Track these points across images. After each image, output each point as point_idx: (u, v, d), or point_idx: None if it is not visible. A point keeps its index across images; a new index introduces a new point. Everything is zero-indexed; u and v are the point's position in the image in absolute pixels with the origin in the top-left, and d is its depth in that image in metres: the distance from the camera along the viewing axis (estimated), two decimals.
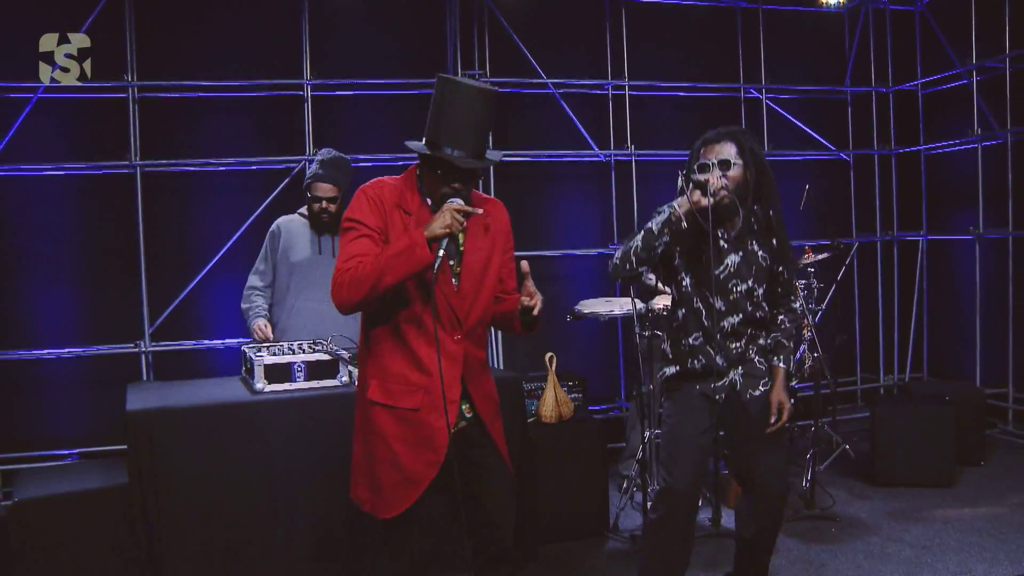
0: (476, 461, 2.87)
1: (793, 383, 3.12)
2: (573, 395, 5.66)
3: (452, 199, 2.70)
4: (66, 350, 5.35)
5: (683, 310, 3.29)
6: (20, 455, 5.26)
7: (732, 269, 3.20)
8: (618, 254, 3.15)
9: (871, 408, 5.28)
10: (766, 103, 6.51)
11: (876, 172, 6.86)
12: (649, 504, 3.79)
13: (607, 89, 6.24)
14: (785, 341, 3.31)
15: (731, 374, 3.25)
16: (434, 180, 2.73)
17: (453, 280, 2.78)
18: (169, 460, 3.58)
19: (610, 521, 4.54)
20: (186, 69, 5.48)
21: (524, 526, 4.14)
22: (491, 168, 5.84)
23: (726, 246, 3.21)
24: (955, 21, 6.26)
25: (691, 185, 3.07)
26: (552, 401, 4.57)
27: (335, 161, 4.36)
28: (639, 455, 4.60)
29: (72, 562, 3.57)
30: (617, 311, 4.79)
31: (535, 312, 2.72)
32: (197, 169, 5.52)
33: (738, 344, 3.23)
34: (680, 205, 3.07)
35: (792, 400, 3.32)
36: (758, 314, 3.23)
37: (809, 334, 4.96)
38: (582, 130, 6.11)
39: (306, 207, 4.45)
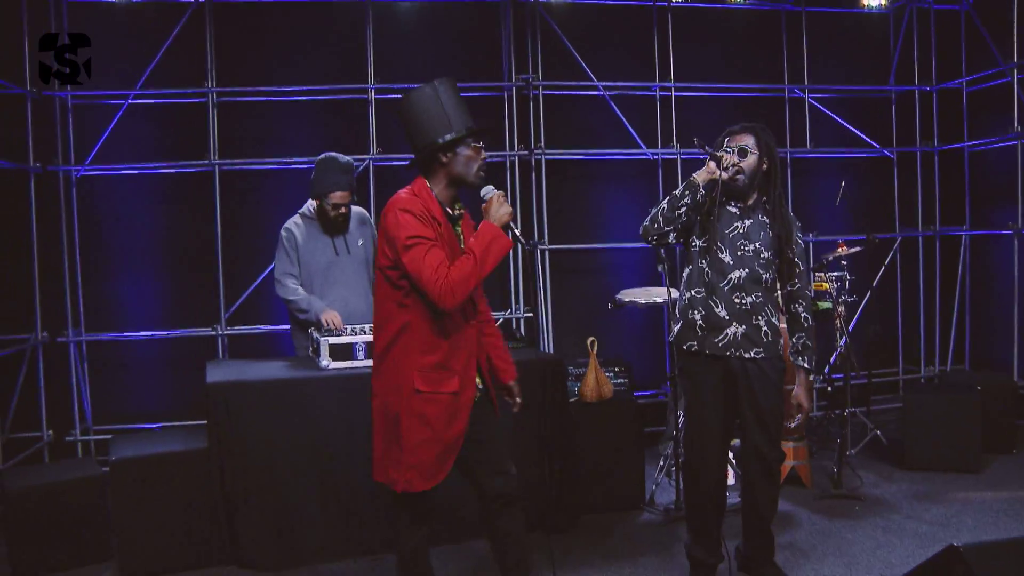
0: (483, 420, 3.27)
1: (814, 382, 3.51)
2: (619, 380, 5.98)
3: (491, 189, 3.13)
4: (151, 333, 5.89)
5: (690, 267, 3.66)
6: (112, 427, 5.81)
7: (742, 230, 3.59)
8: (647, 219, 3.59)
9: (904, 395, 5.49)
10: (809, 102, 6.73)
11: (919, 169, 7.01)
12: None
13: (654, 91, 6.53)
14: (810, 343, 3.66)
15: (731, 328, 3.56)
16: (471, 155, 3.11)
17: None
18: (243, 427, 4.04)
19: (646, 496, 4.84)
20: (260, 76, 5.96)
21: (564, 496, 4.50)
22: (543, 166, 6.22)
23: (738, 212, 3.61)
24: (1000, 19, 6.39)
25: (708, 158, 3.52)
26: (593, 382, 4.90)
27: (346, 166, 4.63)
28: (673, 434, 4.90)
29: (160, 514, 4.04)
30: (656, 299, 5.10)
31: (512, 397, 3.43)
32: (270, 168, 5.99)
33: (743, 301, 3.55)
34: (699, 175, 3.51)
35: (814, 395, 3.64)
36: (764, 276, 3.56)
37: (840, 323, 5.19)
38: (631, 130, 6.42)
39: (311, 210, 4.70)
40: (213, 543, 4.09)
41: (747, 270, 3.57)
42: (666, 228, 3.54)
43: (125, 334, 5.87)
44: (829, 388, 5.80)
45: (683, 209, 3.51)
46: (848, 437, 5.27)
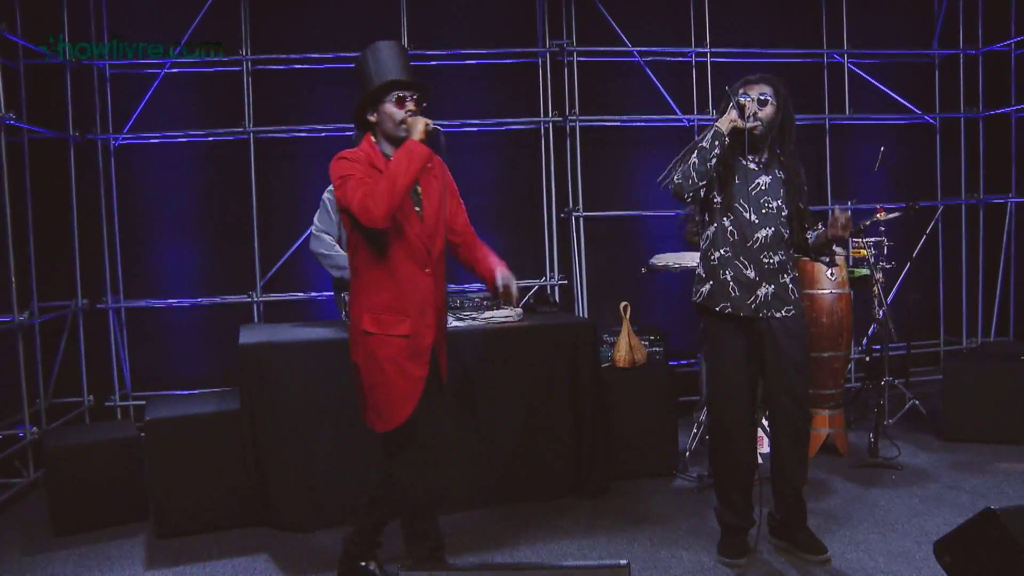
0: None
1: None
2: (654, 349, 5.94)
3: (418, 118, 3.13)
4: (188, 300, 5.95)
5: (713, 227, 3.58)
6: (150, 393, 5.89)
7: (764, 187, 3.53)
8: (677, 175, 3.50)
9: (944, 365, 5.39)
10: (848, 67, 6.58)
11: (963, 135, 6.84)
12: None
13: (690, 56, 6.43)
14: None
15: (762, 288, 3.50)
16: (392, 111, 3.10)
17: (418, 219, 3.18)
18: (275, 389, 4.07)
19: (679, 462, 4.81)
20: (294, 43, 5.97)
21: (596, 461, 4.49)
22: (577, 133, 6.17)
23: (756, 168, 3.54)
24: None
25: (731, 105, 3.47)
26: (626, 347, 4.87)
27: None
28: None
29: (194, 475, 4.09)
30: (690, 263, 5.04)
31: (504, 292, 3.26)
32: (304, 135, 6.01)
33: (771, 260, 3.50)
34: (722, 123, 3.45)
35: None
36: (786, 232, 3.52)
37: (877, 290, 5.09)
38: (667, 96, 6.34)
39: None
40: (246, 504, 4.14)
41: (772, 228, 3.51)
42: (701, 183, 3.46)
43: (163, 301, 5.94)
44: (867, 358, 5.70)
45: (714, 161, 3.44)
46: (886, 407, 5.19)
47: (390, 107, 3.12)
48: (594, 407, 4.49)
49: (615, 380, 4.75)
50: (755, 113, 3.47)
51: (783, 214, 3.52)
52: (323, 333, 4.35)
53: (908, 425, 5.52)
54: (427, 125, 3.07)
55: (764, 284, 3.51)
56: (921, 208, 6.16)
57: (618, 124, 6.39)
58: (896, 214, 5.31)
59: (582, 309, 6.24)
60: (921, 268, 6.69)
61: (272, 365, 4.07)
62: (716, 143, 3.43)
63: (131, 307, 5.90)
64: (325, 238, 4.69)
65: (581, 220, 6.25)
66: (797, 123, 6.54)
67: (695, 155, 3.45)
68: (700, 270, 3.67)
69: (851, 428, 5.43)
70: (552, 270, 6.29)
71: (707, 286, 3.61)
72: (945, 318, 6.97)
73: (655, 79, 6.31)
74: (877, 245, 5.21)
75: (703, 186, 3.47)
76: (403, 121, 3.10)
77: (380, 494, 3.39)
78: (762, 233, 3.51)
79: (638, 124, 6.43)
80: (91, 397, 5.78)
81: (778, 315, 3.50)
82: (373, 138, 3.19)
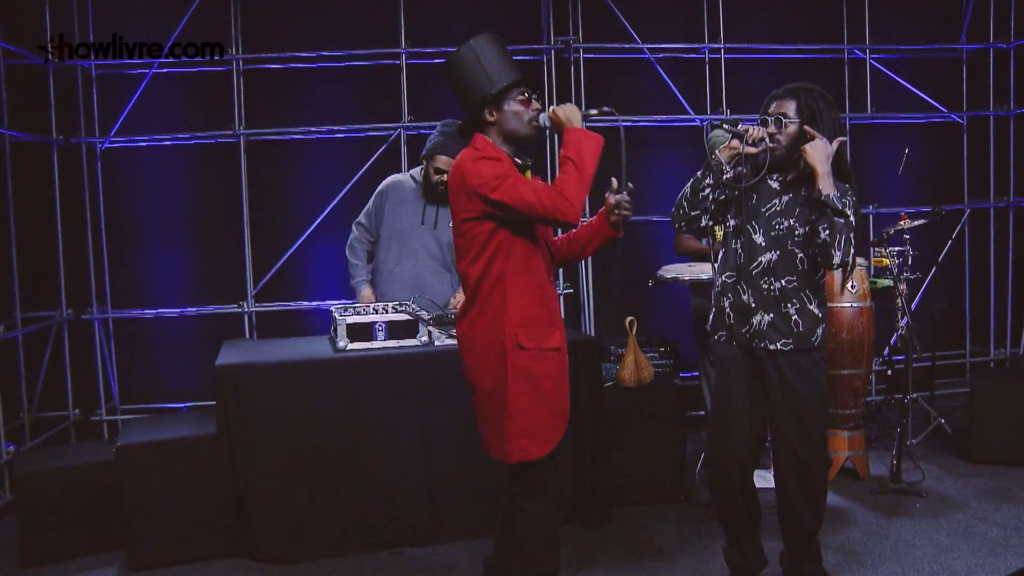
0: None
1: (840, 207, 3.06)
2: (664, 361, 5.66)
3: (545, 116, 2.97)
4: (177, 310, 5.72)
5: (723, 250, 3.35)
6: (139, 407, 5.69)
7: (779, 208, 3.23)
8: (675, 204, 3.31)
9: (972, 381, 5.07)
10: (870, 63, 6.25)
11: (992, 134, 6.49)
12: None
13: (703, 53, 6.12)
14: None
15: (758, 316, 3.21)
16: (519, 110, 2.95)
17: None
18: (254, 412, 3.81)
19: (686, 487, 4.53)
20: (287, 42, 5.70)
21: (598, 487, 4.22)
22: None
23: (779, 187, 3.25)
24: None
25: (731, 135, 3.19)
26: (631, 365, 4.58)
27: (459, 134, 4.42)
28: None
29: (168, 501, 3.85)
30: (700, 275, 4.75)
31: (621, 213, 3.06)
32: (297, 137, 5.75)
33: (771, 286, 3.20)
34: (721, 151, 3.19)
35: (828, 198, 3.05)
36: (800, 255, 3.18)
37: (901, 302, 4.79)
38: (678, 95, 6.03)
39: (420, 172, 4.53)
40: (225, 534, 3.89)
41: (779, 251, 3.20)
42: (692, 212, 3.25)
43: (150, 311, 5.71)
44: (889, 371, 5.39)
45: (706, 191, 3.21)
46: (909, 426, 4.88)
47: (516, 105, 2.95)
48: (596, 430, 4.21)
49: (619, 400, 4.47)
50: (765, 136, 3.15)
51: (796, 233, 3.19)
52: (309, 351, 4.10)
53: (933, 444, 5.20)
54: (576, 111, 2.95)
55: (761, 312, 3.21)
56: (947, 212, 5.81)
57: (627, 124, 6.10)
58: (921, 221, 5.00)
59: (589, 320, 5.95)
60: (946, 274, 6.35)
61: (250, 388, 3.81)
62: (708, 173, 3.20)
63: (118, 317, 5.68)
64: (356, 246, 4.63)
65: None
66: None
67: (688, 184, 3.26)
68: (713, 297, 3.42)
69: (871, 447, 5.13)
70: (558, 279, 6.01)
71: (712, 313, 3.37)
72: (972, 327, 6.63)
73: (666, 77, 6.00)
74: (901, 255, 4.90)
75: (696, 216, 3.25)
76: (532, 120, 2.96)
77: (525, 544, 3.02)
78: (766, 257, 3.21)
79: (648, 124, 6.13)
80: (77, 411, 5.56)
81: (772, 347, 3.20)
82: (488, 138, 2.99)
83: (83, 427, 5.60)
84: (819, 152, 3.07)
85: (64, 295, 5.47)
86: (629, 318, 4.68)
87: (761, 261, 3.21)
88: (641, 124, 6.11)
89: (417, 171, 4.60)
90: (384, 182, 4.63)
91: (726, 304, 3.28)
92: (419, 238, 4.50)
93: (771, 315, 3.20)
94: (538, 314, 2.94)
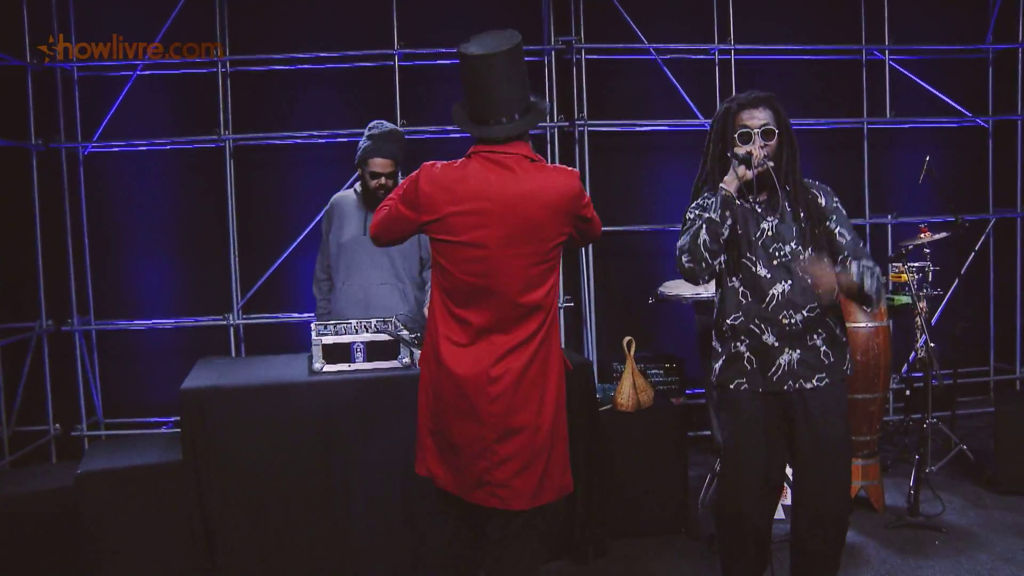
0: None
1: (869, 291, 2.72)
2: (669, 378, 5.38)
3: None
4: (160, 321, 5.50)
5: (720, 291, 3.04)
6: (123, 421, 5.48)
7: (771, 232, 2.94)
8: (685, 256, 2.90)
9: (996, 403, 4.75)
10: (890, 64, 5.93)
11: (1019, 139, 6.16)
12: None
13: (713, 54, 5.83)
14: (868, 262, 2.89)
15: (784, 355, 2.92)
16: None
17: None
18: (222, 439, 3.58)
19: (688, 518, 4.25)
20: (275, 43, 5.47)
21: (592, 519, 3.96)
22: (585, 138, 5.62)
23: (760, 210, 2.96)
24: None
25: (735, 161, 2.87)
26: (629, 388, 4.31)
27: (390, 134, 4.12)
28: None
29: (131, 531, 3.62)
30: (703, 293, 4.47)
31: None
32: (286, 142, 5.52)
33: (792, 319, 2.91)
34: (728, 183, 2.86)
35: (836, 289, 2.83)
36: (811, 279, 2.88)
37: (920, 321, 4.49)
38: (687, 98, 5.75)
39: (359, 183, 4.26)
40: (191, 564, 3.64)
41: (789, 281, 2.92)
42: (714, 262, 2.89)
43: (134, 322, 5.49)
44: (907, 391, 5.08)
45: (727, 233, 2.88)
46: (928, 452, 4.57)
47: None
48: (590, 458, 3.95)
49: (616, 426, 4.20)
50: (764, 154, 2.88)
51: (801, 257, 2.92)
52: (284, 373, 3.84)
53: (954, 471, 4.89)
54: None
55: (788, 350, 2.92)
56: (970, 222, 5.49)
57: (632, 129, 5.82)
58: (943, 234, 4.70)
59: (590, 334, 5.67)
60: (969, 288, 6.02)
61: (218, 414, 3.57)
62: (727, 213, 2.85)
63: (100, 329, 5.46)
64: (320, 284, 4.42)
65: None
66: (832, 126, 6.00)
67: (704, 230, 2.86)
68: (714, 342, 3.09)
69: (886, 472, 4.83)
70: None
71: (720, 362, 3.04)
72: (996, 344, 6.29)
73: (673, 79, 5.72)
74: (921, 270, 4.60)
75: (718, 262, 2.93)
76: None
77: None
78: (777, 288, 2.92)
79: (654, 129, 5.84)
80: (57, 426, 5.35)
81: (808, 385, 2.91)
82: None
83: (65, 442, 5.40)
84: (831, 281, 2.78)
85: (44, 306, 5.26)
86: (627, 338, 4.41)
87: (774, 294, 2.92)
88: (646, 128, 5.83)
89: (358, 184, 4.27)
90: (331, 200, 4.33)
91: (743, 349, 2.97)
92: (363, 250, 4.18)
93: (799, 351, 2.92)
94: None
